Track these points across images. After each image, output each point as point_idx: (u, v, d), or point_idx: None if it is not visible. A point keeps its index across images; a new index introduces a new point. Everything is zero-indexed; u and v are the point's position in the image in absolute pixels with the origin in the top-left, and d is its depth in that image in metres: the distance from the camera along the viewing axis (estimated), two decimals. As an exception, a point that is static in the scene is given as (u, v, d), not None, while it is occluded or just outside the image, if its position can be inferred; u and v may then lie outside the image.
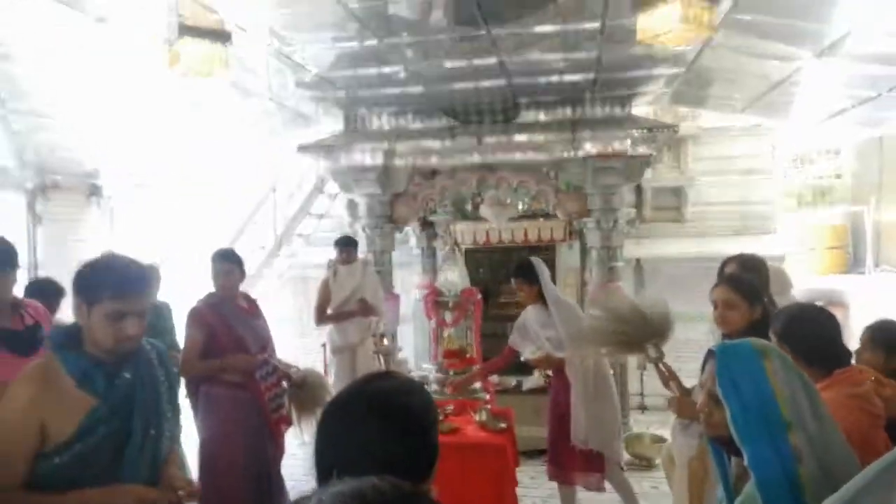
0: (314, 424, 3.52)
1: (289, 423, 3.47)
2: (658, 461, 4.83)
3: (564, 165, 5.49)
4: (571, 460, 3.52)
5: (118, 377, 1.84)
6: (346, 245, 4.94)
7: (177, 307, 4.51)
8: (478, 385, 4.07)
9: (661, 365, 2.77)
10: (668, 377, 2.77)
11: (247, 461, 3.25)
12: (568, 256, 6.82)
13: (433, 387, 4.11)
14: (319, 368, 4.38)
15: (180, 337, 3.61)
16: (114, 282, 1.78)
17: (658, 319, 2.81)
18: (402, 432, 1.11)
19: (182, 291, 6.71)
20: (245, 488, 3.24)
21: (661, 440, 5.03)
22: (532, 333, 3.74)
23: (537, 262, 3.76)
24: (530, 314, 3.79)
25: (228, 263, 3.39)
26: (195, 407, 3.34)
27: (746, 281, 2.64)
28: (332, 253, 5.03)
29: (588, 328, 3.00)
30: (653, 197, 6.90)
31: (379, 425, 1.10)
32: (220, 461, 3.22)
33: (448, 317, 4.30)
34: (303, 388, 3.49)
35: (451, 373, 4.02)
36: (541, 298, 3.71)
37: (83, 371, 1.79)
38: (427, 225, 7.02)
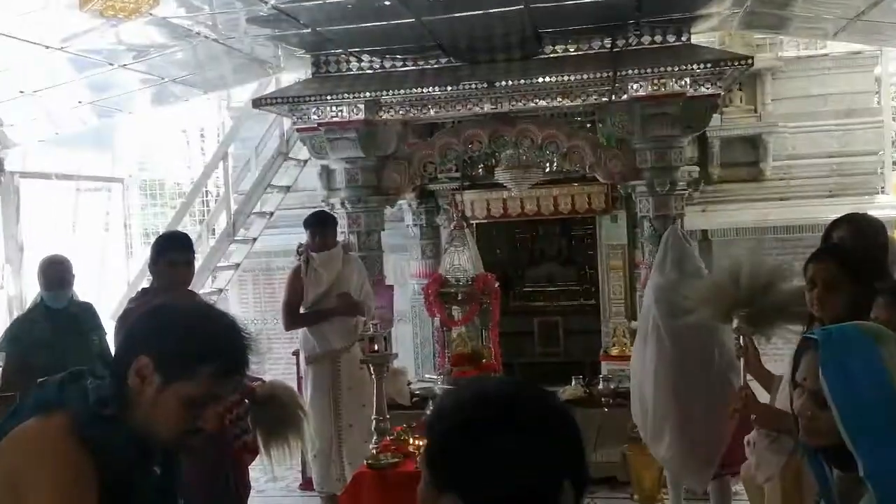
0: (286, 454, 3.66)
1: (254, 453, 3.55)
2: (735, 489, 4.93)
3: (604, 113, 5.52)
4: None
5: (150, 473, 1.61)
6: (322, 225, 4.99)
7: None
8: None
9: (743, 341, 2.86)
10: (746, 357, 2.85)
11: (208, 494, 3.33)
12: (611, 231, 6.88)
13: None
14: (291, 382, 4.46)
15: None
16: (226, 353, 1.57)
17: (747, 282, 2.90)
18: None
19: (95, 287, 6.85)
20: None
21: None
22: None
23: (674, 229, 4.21)
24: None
25: (181, 252, 3.41)
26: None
27: (856, 251, 2.58)
28: (303, 236, 5.10)
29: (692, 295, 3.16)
30: (722, 151, 6.94)
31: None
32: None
33: (457, 313, 4.37)
34: (270, 406, 3.56)
35: (462, 383, 4.11)
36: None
37: (120, 462, 1.50)
38: (426, 196, 7.09)
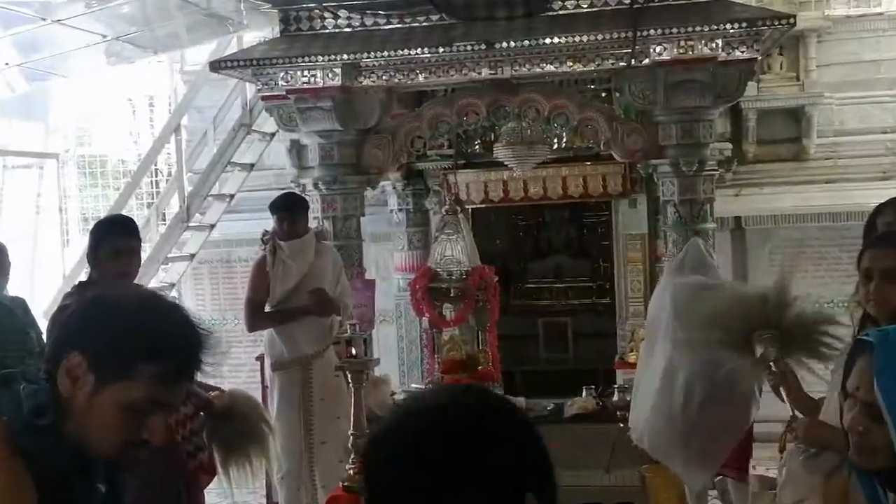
0: (248, 475, 3.65)
1: (210, 474, 3.55)
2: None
3: (622, 80, 5.51)
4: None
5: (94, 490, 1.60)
6: (291, 209, 4.98)
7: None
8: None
9: (778, 366, 2.82)
10: (786, 384, 2.82)
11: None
12: (630, 218, 6.90)
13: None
14: (254, 392, 4.46)
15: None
16: (173, 351, 1.54)
17: (775, 298, 2.87)
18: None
19: (25, 280, 6.82)
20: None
21: (769, 484, 5.15)
22: None
23: (695, 242, 4.12)
24: None
25: (125, 238, 3.40)
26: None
27: None
28: (269, 222, 5.09)
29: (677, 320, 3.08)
30: (759, 124, 6.95)
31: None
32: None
33: (448, 312, 4.37)
34: (230, 420, 3.55)
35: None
36: None
37: (60, 477, 1.50)
38: (414, 177, 7.09)
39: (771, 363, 2.82)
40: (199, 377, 3.56)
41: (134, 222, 3.53)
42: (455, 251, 4.25)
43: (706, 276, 3.97)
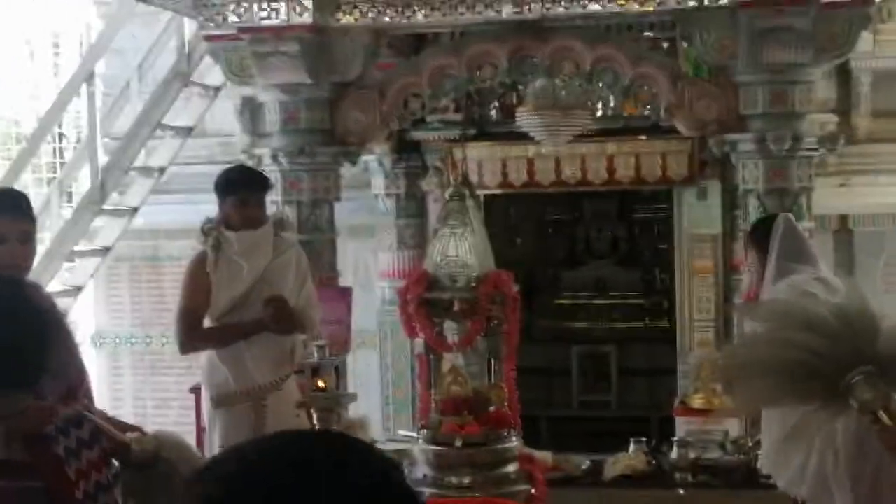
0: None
1: (123, 541, 3.55)
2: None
3: (691, 26, 5.51)
4: None
5: None
6: (251, 189, 4.99)
7: None
8: (511, 468, 4.16)
9: (885, 414, 2.83)
10: (893, 436, 2.84)
11: None
12: (698, 214, 6.92)
13: (422, 471, 4.20)
14: (187, 435, 4.46)
15: None
16: None
17: (864, 324, 2.88)
18: None
19: None
20: None
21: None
22: None
23: (787, 219, 4.44)
24: None
25: (13, 219, 3.42)
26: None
27: None
28: (213, 207, 5.10)
29: (740, 352, 3.10)
30: (874, 91, 6.96)
31: None
32: None
33: (451, 332, 4.36)
34: (152, 471, 3.54)
35: (458, 442, 4.10)
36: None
37: None
38: (407, 150, 7.10)
39: (879, 411, 2.82)
40: (102, 413, 3.57)
41: (26, 198, 3.54)
42: (461, 250, 4.18)
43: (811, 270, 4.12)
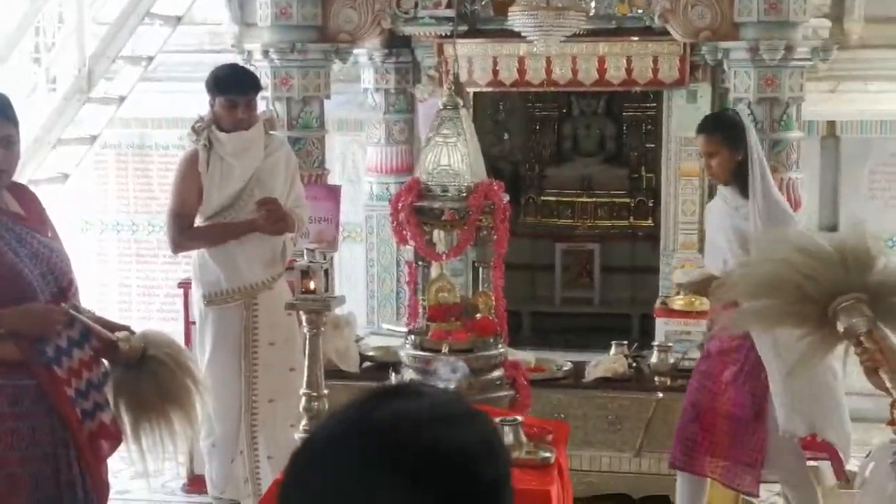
0: (165, 442, 3.71)
1: (115, 439, 3.61)
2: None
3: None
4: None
5: None
6: (245, 90, 4.97)
7: None
8: (496, 373, 4.24)
9: (868, 339, 2.90)
10: (879, 360, 2.90)
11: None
12: (687, 116, 6.84)
13: (408, 375, 4.27)
14: (176, 333, 4.52)
15: None
16: None
17: (854, 253, 2.94)
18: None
19: None
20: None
21: (846, 484, 5.29)
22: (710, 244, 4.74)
23: (743, 113, 4.77)
24: (713, 209, 4.83)
25: (1, 123, 3.37)
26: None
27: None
28: (202, 103, 5.07)
29: (736, 282, 3.18)
30: (868, -3, 6.89)
31: (408, 496, 1.19)
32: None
33: (441, 240, 4.39)
34: (141, 370, 3.61)
35: (446, 348, 4.17)
36: (738, 178, 4.57)
37: None
38: (398, 45, 7.01)
39: (861, 337, 2.90)
40: (90, 313, 3.60)
41: (8, 101, 3.50)
42: (453, 159, 4.20)
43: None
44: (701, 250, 6.77)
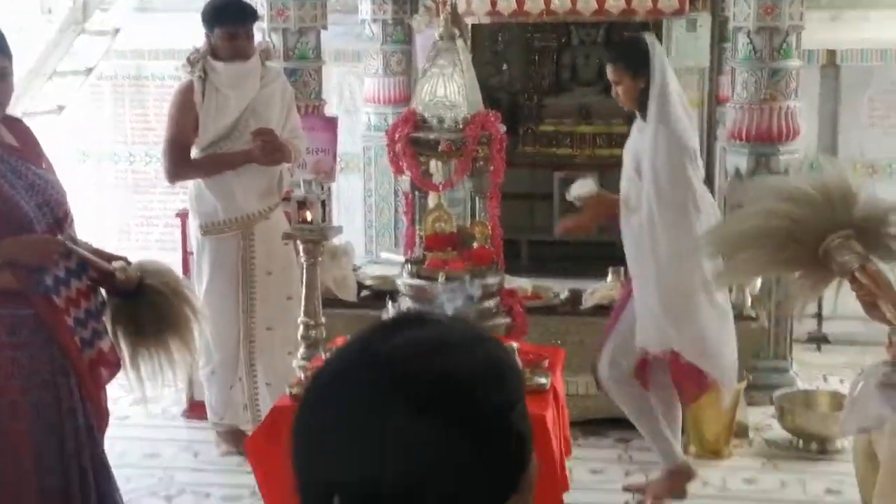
0: (163, 369, 3.75)
1: (114, 367, 3.66)
2: (841, 445, 5.19)
3: None
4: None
5: None
6: (234, 20, 4.96)
7: None
8: (493, 302, 4.27)
9: (862, 275, 2.92)
10: (881, 292, 2.92)
11: (35, 444, 3.44)
12: (687, 46, 6.84)
13: (406, 304, 4.30)
14: (174, 263, 4.55)
15: None
16: None
17: (842, 193, 2.95)
18: (461, 432, 1.23)
19: None
20: (34, 490, 3.46)
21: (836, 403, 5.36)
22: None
23: (653, 40, 4.74)
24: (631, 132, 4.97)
25: None
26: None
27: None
28: (198, 33, 5.04)
29: (726, 229, 3.19)
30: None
31: (417, 423, 1.21)
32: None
33: (437, 171, 4.39)
34: (139, 299, 3.65)
35: (442, 277, 4.19)
36: (642, 105, 4.63)
37: None
38: (396, -25, 6.95)
39: (855, 273, 2.91)
40: (86, 244, 3.63)
41: (1, 33, 3.49)
42: (449, 91, 4.18)
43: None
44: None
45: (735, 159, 5.89)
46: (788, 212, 2.99)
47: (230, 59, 4.93)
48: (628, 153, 4.80)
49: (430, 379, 1.23)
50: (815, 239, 2.95)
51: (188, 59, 4.98)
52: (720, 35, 6.53)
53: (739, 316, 5.05)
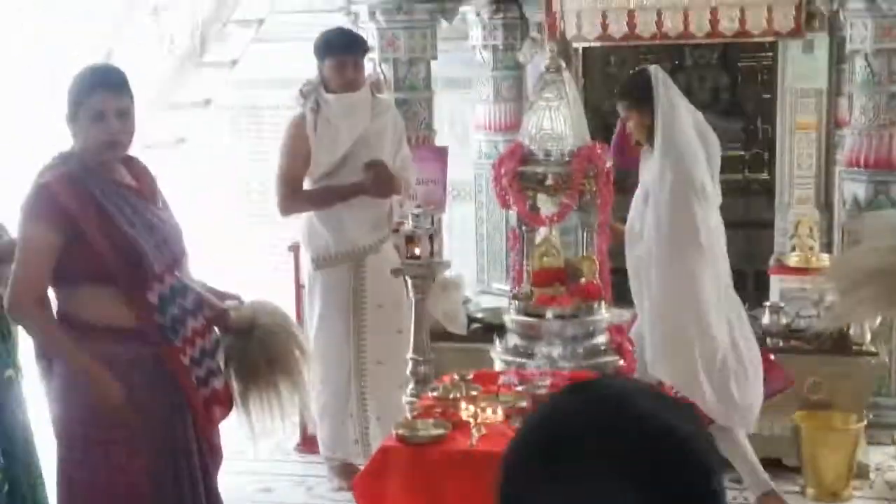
0: (274, 409, 3.78)
1: (227, 405, 3.70)
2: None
3: None
4: None
5: None
6: (355, 52, 5.03)
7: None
8: (601, 339, 4.22)
9: None
10: None
11: (154, 480, 3.50)
12: (803, 67, 6.68)
13: (513, 341, 4.27)
14: (285, 299, 4.59)
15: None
16: None
17: None
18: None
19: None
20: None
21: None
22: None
23: (656, 72, 4.74)
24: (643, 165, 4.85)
25: (117, 96, 3.45)
26: (50, 392, 3.54)
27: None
28: (306, 55, 5.11)
29: (845, 264, 3.13)
30: None
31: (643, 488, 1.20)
32: (97, 487, 3.48)
33: (546, 204, 4.37)
34: (251, 339, 3.69)
35: (550, 314, 4.16)
36: (651, 139, 4.64)
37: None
38: (505, 1, 6.92)
39: None
40: (201, 284, 3.70)
41: (123, 74, 3.57)
42: (556, 123, 4.16)
43: None
44: (817, 206, 6.65)
45: (853, 187, 5.72)
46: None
47: (341, 89, 4.99)
48: (641, 183, 4.79)
49: (670, 447, 1.22)
50: None
51: (300, 91, 5.06)
52: (838, 56, 6.38)
53: (859, 352, 4.90)
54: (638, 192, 4.78)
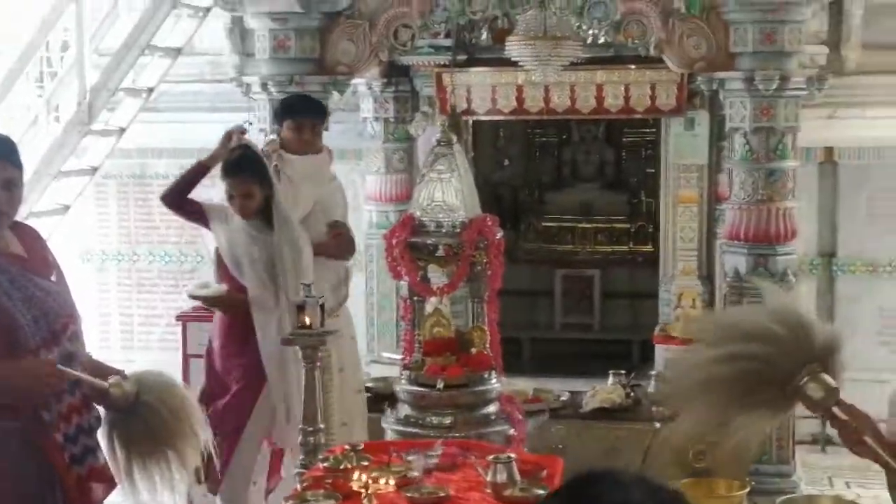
0: (160, 485, 3.69)
1: (108, 482, 3.59)
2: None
3: (684, -38, 5.50)
4: None
5: None
6: (320, 115, 5.20)
7: None
8: (492, 409, 4.23)
9: (837, 410, 2.81)
10: (860, 429, 2.82)
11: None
12: (685, 144, 6.90)
13: (404, 410, 4.27)
14: (172, 359, 4.50)
15: None
16: None
17: (801, 325, 2.84)
18: None
19: None
20: None
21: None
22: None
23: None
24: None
25: (4, 166, 3.34)
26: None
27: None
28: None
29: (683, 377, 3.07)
30: (866, 23, 6.87)
31: None
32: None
33: (436, 274, 4.40)
34: (133, 413, 3.60)
35: (440, 384, 4.17)
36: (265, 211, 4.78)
37: None
38: (397, 74, 7.03)
39: (833, 408, 2.81)
40: (87, 356, 3.59)
41: (12, 144, 3.50)
42: (447, 195, 4.22)
43: None
44: (699, 277, 6.82)
45: (734, 259, 5.88)
46: (756, 352, 2.86)
47: (299, 151, 5.10)
48: (248, 255, 4.93)
49: None
50: (786, 376, 2.83)
51: (262, 151, 5.06)
52: (719, 133, 6.58)
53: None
54: (246, 261, 4.90)
